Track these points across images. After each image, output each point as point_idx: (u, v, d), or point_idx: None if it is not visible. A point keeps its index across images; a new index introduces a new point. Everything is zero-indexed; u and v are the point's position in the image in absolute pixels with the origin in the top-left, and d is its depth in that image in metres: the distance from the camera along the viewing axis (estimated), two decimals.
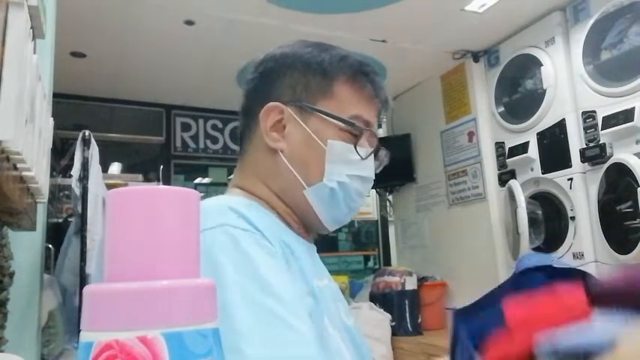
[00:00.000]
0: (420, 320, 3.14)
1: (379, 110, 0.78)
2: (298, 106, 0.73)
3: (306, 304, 0.61)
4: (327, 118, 0.72)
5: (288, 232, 0.72)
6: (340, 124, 0.72)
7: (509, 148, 2.80)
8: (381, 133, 4.45)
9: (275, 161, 0.73)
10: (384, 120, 4.11)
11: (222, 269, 0.54)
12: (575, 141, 2.45)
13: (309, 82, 0.73)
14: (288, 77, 0.74)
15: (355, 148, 0.72)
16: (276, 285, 0.55)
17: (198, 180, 4.56)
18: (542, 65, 2.63)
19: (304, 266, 0.66)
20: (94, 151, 2.07)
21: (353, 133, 0.72)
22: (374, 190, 4.30)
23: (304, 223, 0.76)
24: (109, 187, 2.17)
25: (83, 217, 1.94)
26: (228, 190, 0.79)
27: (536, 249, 2.60)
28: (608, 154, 2.25)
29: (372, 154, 0.76)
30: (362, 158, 0.73)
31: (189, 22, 2.59)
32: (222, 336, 0.45)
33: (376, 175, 0.78)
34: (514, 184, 2.65)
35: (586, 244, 2.39)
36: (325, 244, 4.66)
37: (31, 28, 0.80)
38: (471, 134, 3.11)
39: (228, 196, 0.75)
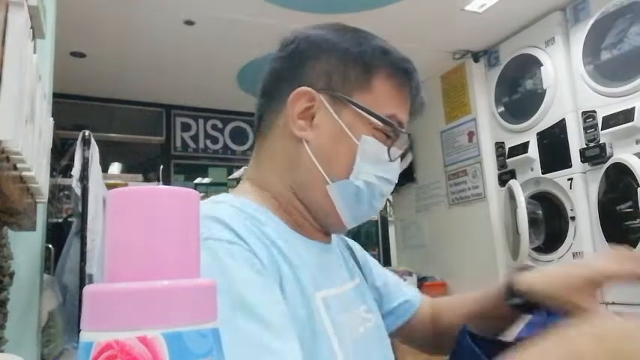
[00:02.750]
0: None
1: (412, 111, 0.72)
2: (332, 96, 0.66)
3: (296, 321, 0.56)
4: (363, 113, 0.66)
5: (291, 238, 0.65)
6: (376, 121, 0.66)
7: (509, 148, 2.80)
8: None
9: (298, 151, 0.67)
10: None
11: None
12: (575, 141, 2.45)
13: (347, 71, 0.66)
14: (324, 63, 0.67)
15: (388, 150, 0.67)
16: (258, 305, 0.51)
17: (198, 180, 4.57)
18: (542, 65, 2.63)
19: (303, 277, 0.61)
20: (94, 151, 2.07)
21: (386, 132, 0.67)
22: None
23: (320, 222, 0.70)
24: (109, 187, 2.17)
25: (83, 217, 1.94)
26: (240, 184, 0.73)
27: (536, 249, 2.60)
28: (608, 154, 2.25)
29: (400, 157, 0.70)
30: (391, 160, 0.68)
31: (189, 22, 2.59)
32: None
33: None
34: (514, 184, 2.65)
35: (586, 244, 2.39)
36: None
37: (31, 28, 0.80)
38: (471, 134, 3.11)
39: (225, 196, 0.69)
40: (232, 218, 0.58)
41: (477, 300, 0.83)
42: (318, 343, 0.58)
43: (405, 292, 0.90)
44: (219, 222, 0.57)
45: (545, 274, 0.73)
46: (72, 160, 2.07)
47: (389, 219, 4.42)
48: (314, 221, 0.69)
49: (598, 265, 0.69)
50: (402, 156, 0.72)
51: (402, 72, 0.69)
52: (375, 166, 0.67)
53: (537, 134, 2.64)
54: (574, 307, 0.66)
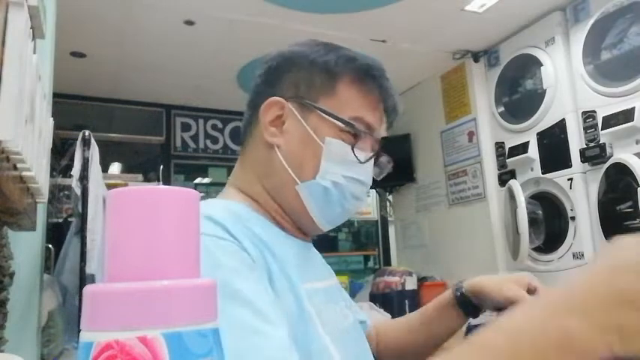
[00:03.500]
0: None
1: (386, 115, 0.77)
2: (299, 103, 0.71)
3: (285, 309, 0.60)
4: (326, 116, 0.70)
5: (276, 235, 0.70)
6: (339, 123, 0.70)
7: (509, 148, 2.80)
8: (382, 133, 4.45)
9: (270, 157, 0.72)
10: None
11: None
12: (575, 141, 2.45)
13: (312, 79, 0.72)
14: (293, 74, 0.73)
15: (352, 150, 0.71)
16: (248, 293, 0.55)
17: (198, 180, 4.56)
18: (542, 65, 2.63)
19: (289, 270, 0.65)
20: (94, 151, 2.07)
21: (353, 134, 0.71)
22: (374, 190, 4.30)
23: (297, 224, 0.74)
24: (109, 187, 2.17)
25: (83, 217, 1.94)
26: (224, 189, 0.78)
27: (536, 249, 2.60)
28: (608, 154, 2.25)
29: (372, 159, 0.74)
30: (359, 161, 0.71)
31: (189, 22, 2.59)
32: None
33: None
34: (514, 184, 2.65)
35: (586, 244, 2.39)
36: (325, 244, 4.66)
37: (31, 28, 0.80)
38: (471, 134, 3.11)
39: (213, 200, 0.74)
40: (223, 217, 0.62)
41: (419, 312, 0.94)
42: (309, 331, 0.62)
43: (362, 313, 0.95)
44: (211, 220, 0.61)
45: (485, 277, 0.89)
46: (72, 160, 2.07)
47: (389, 219, 4.42)
48: (291, 221, 0.74)
49: (521, 273, 0.86)
50: (376, 158, 0.76)
51: (369, 77, 0.73)
52: (341, 167, 0.71)
53: (537, 134, 2.64)
54: (503, 296, 0.81)
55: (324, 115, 0.70)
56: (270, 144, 0.72)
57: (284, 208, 0.73)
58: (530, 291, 0.82)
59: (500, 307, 0.83)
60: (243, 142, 0.79)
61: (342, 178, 0.71)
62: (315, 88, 0.72)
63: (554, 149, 2.55)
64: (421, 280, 3.28)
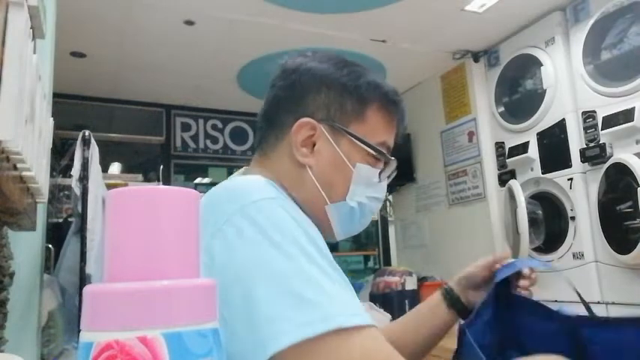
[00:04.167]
0: None
1: (396, 135, 0.83)
2: (331, 126, 0.75)
3: None
4: (357, 142, 0.75)
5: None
6: (369, 150, 0.76)
7: (509, 148, 2.80)
8: None
9: (300, 175, 0.75)
10: None
11: (280, 238, 0.59)
12: (575, 141, 2.45)
13: (344, 104, 0.75)
14: (324, 95, 0.75)
15: (379, 175, 0.78)
16: (324, 248, 0.62)
17: (198, 180, 4.56)
18: (542, 65, 2.63)
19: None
20: (94, 151, 2.07)
21: (377, 158, 0.77)
22: None
23: None
24: (109, 187, 2.17)
25: (83, 217, 1.94)
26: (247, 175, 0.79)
27: (536, 249, 2.60)
28: (608, 154, 2.24)
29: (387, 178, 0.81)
30: (380, 182, 0.78)
31: (189, 22, 2.59)
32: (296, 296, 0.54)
33: None
34: (514, 184, 2.65)
35: (586, 244, 2.39)
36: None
37: (31, 28, 0.80)
38: (471, 134, 3.11)
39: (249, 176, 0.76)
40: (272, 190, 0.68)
41: (412, 312, 0.99)
42: None
43: None
44: (272, 185, 0.68)
45: (466, 269, 0.97)
46: (72, 160, 2.07)
47: (389, 219, 4.42)
48: None
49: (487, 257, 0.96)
50: (389, 176, 0.82)
51: (392, 103, 0.79)
52: (367, 188, 0.77)
53: (537, 134, 2.64)
54: (478, 276, 0.93)
55: (355, 140, 0.75)
56: (300, 163, 0.75)
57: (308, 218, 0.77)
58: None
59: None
60: (262, 152, 0.80)
61: (366, 199, 0.77)
62: (347, 113, 0.75)
63: (554, 149, 2.55)
64: (421, 280, 3.28)
